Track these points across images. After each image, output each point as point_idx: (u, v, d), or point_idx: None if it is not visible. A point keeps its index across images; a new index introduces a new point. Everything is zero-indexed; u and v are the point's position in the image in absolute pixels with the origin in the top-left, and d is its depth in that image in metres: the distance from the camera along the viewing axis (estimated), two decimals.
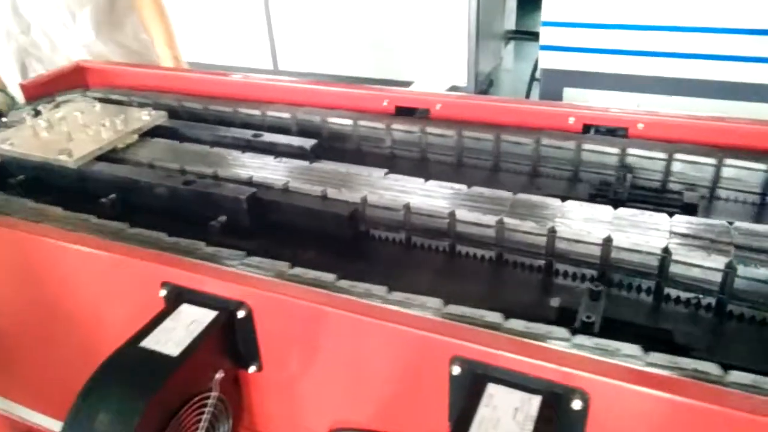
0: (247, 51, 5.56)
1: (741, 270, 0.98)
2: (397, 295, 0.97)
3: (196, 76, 1.98)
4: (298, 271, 1.04)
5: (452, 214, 1.18)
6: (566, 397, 0.79)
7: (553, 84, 3.26)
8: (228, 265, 1.05)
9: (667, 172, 1.37)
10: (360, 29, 5.15)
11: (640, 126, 1.46)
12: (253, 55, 5.61)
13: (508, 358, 0.82)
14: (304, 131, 1.66)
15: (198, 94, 1.87)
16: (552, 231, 1.11)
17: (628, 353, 0.83)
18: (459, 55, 4.89)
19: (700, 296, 1.03)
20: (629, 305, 1.06)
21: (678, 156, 1.36)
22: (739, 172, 1.31)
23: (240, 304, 0.99)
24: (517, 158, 1.49)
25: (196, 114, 1.79)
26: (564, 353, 0.82)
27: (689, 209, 1.26)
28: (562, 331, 0.87)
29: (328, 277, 1.02)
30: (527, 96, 3.79)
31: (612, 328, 0.93)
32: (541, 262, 1.14)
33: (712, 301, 1.02)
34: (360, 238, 1.27)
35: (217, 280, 1.01)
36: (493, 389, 0.81)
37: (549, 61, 3.19)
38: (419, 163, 1.57)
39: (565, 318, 0.99)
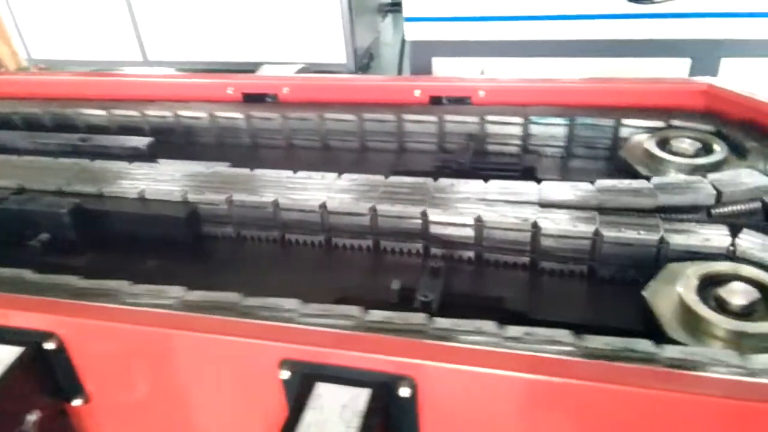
0: (112, 44, 5.17)
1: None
2: (196, 294, 0.91)
3: (34, 79, 1.80)
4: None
5: (275, 203, 1.13)
6: (394, 386, 0.76)
7: (421, 55, 3.26)
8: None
9: (511, 135, 1.38)
10: (232, 12, 4.91)
11: (482, 93, 1.46)
12: (119, 47, 5.24)
13: (333, 354, 0.78)
14: (139, 129, 1.55)
15: (37, 96, 1.70)
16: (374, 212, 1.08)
17: (477, 329, 0.82)
18: (334, 31, 4.80)
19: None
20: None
21: (515, 120, 1.37)
22: (576, 129, 1.34)
23: (49, 335, 0.88)
24: (344, 135, 1.47)
25: (32, 119, 1.63)
26: (388, 340, 0.79)
27: (529, 172, 1.28)
28: (404, 316, 0.85)
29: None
30: (399, 70, 3.78)
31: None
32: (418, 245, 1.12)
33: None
34: (201, 239, 1.19)
35: (20, 312, 0.90)
36: (321, 389, 0.78)
37: (414, 32, 3.18)
38: (267, 151, 1.51)
39: (408, 300, 0.97)
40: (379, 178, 1.17)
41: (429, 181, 1.15)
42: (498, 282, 1.05)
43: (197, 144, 1.56)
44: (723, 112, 1.28)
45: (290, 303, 0.90)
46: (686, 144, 1.19)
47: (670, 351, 0.77)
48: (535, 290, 1.04)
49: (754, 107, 1.23)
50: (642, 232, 0.98)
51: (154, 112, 1.58)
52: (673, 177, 1.13)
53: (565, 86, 1.41)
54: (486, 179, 1.14)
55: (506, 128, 1.37)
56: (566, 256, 1.03)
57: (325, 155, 1.46)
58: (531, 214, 1.04)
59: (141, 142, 1.40)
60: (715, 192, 1.06)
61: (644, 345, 0.78)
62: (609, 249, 1.00)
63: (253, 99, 1.61)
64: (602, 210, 1.04)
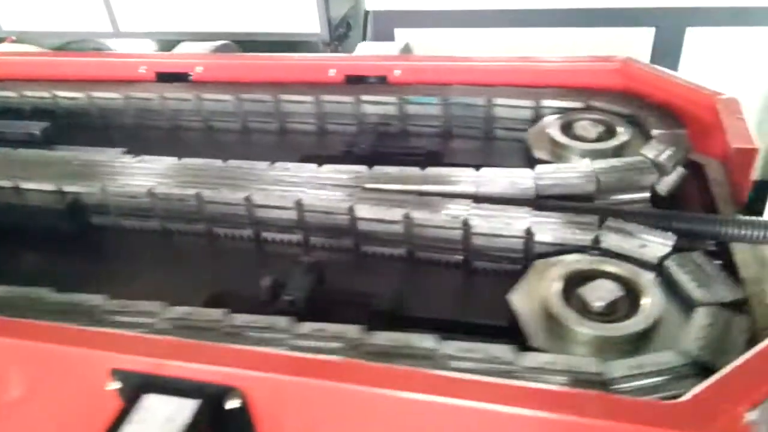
0: (81, 13, 5.04)
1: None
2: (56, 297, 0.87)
3: None
4: None
5: (151, 192, 1.08)
6: (223, 397, 0.72)
7: (382, 26, 3.16)
8: None
9: (419, 116, 1.32)
10: None
11: (397, 72, 1.39)
12: (89, 17, 5.10)
13: (163, 364, 0.74)
14: (38, 111, 1.49)
15: None
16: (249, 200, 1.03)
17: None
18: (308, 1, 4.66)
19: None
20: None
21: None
22: (491, 109, 1.28)
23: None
24: (260, 116, 1.40)
25: None
26: (217, 349, 0.75)
27: (434, 157, 1.22)
28: (264, 320, 0.81)
29: None
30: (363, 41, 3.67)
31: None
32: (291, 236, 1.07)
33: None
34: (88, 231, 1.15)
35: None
36: (148, 400, 0.74)
37: (375, 0, 3.07)
38: (168, 134, 1.45)
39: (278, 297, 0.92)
40: (262, 164, 1.12)
41: (307, 166, 1.10)
42: (379, 278, 1.01)
43: (110, 127, 1.49)
44: (637, 91, 1.21)
45: (153, 306, 0.86)
46: (589, 128, 1.13)
47: (528, 359, 0.73)
48: (415, 286, 1.00)
49: (667, 86, 1.17)
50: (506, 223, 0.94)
51: (64, 93, 1.51)
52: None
53: (480, 65, 1.34)
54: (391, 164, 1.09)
55: (413, 108, 1.30)
56: (443, 247, 0.99)
57: (207, 137, 1.39)
58: (403, 206, 1.00)
59: (35, 126, 1.34)
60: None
61: (502, 351, 0.74)
62: (483, 241, 0.96)
63: (166, 78, 1.54)
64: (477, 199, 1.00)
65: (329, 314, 0.84)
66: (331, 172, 1.08)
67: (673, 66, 2.75)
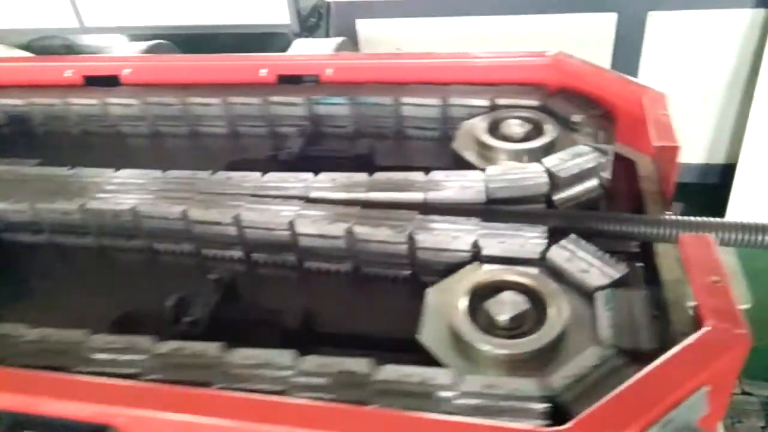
0: (46, 9, 4.92)
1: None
2: None
3: None
4: None
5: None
6: None
7: (344, 17, 3.10)
8: None
9: (349, 117, 1.26)
10: None
11: (329, 71, 1.34)
12: (54, 13, 4.98)
13: (35, 401, 0.69)
14: None
15: None
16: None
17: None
18: None
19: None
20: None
21: (361, 99, 1.25)
22: (417, 110, 1.23)
23: None
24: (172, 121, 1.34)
25: None
26: (90, 385, 0.70)
27: (365, 159, 1.17)
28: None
29: None
30: (326, 34, 3.60)
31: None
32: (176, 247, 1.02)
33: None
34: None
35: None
36: None
37: None
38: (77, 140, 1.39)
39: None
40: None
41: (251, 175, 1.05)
42: (310, 295, 0.96)
43: (30, 134, 1.42)
44: (568, 86, 1.17)
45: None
46: (517, 126, 1.09)
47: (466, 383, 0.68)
48: (349, 303, 0.95)
49: (597, 81, 1.13)
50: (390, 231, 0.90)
51: None
52: (504, 166, 1.02)
53: (411, 63, 1.29)
54: (316, 168, 1.05)
55: (341, 110, 1.25)
56: (388, 262, 0.95)
57: (145, 144, 1.33)
58: (290, 212, 0.96)
59: None
60: (547, 178, 0.97)
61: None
62: (430, 256, 0.92)
63: (95, 82, 1.48)
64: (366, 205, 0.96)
65: (236, 334, 0.80)
66: (276, 180, 1.03)
67: (636, 51, 2.71)
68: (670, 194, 1.01)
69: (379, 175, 1.02)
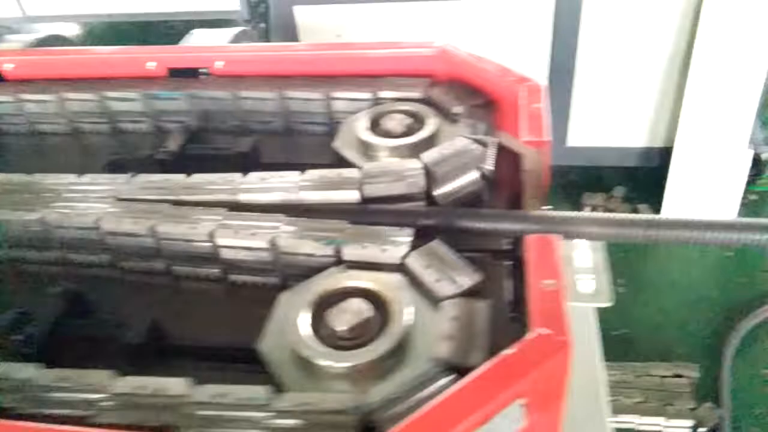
0: None
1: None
2: None
3: None
4: None
5: None
6: None
7: (282, 3, 3.01)
8: None
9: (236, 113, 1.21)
10: None
11: (219, 64, 1.28)
12: None
13: None
14: None
15: None
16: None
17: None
18: None
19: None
20: None
21: (247, 94, 1.20)
22: (302, 104, 1.18)
23: None
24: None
25: None
26: None
27: (247, 158, 1.12)
28: None
29: None
30: (266, 23, 3.52)
31: None
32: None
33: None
34: None
35: None
36: None
37: None
38: None
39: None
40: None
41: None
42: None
43: None
44: (454, 76, 1.13)
45: None
46: (397, 121, 1.05)
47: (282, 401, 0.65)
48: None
49: (480, 72, 1.09)
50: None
51: None
52: (379, 164, 0.99)
53: (299, 55, 1.24)
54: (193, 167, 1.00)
55: (224, 105, 1.20)
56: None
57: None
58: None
59: None
60: (424, 175, 0.93)
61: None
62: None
63: None
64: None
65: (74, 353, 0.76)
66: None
67: (575, 30, 2.68)
68: (545, 188, 0.99)
69: (252, 176, 0.98)
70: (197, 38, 1.51)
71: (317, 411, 0.62)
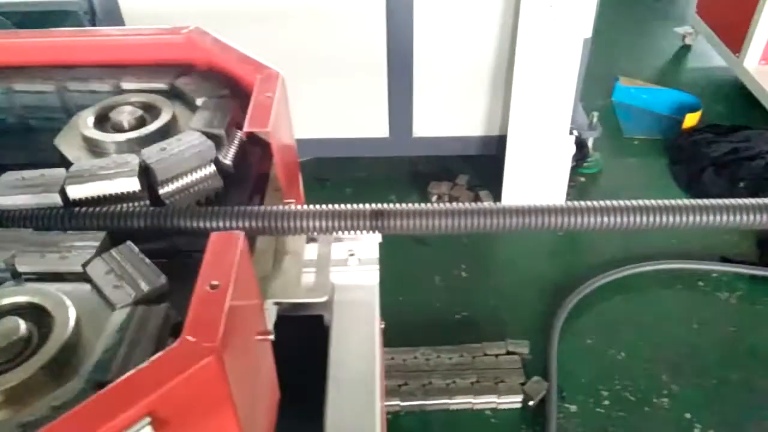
0: None
1: None
2: None
3: None
4: None
5: None
6: None
7: None
8: None
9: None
10: None
11: None
12: None
13: None
14: None
15: None
16: None
17: None
18: None
19: None
20: None
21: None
22: (34, 98, 1.06)
23: None
24: None
25: None
26: None
27: None
28: None
29: None
30: (91, 15, 3.27)
31: None
32: None
33: None
34: None
35: None
36: None
37: None
38: None
39: None
40: None
41: None
42: None
43: None
44: (200, 64, 1.06)
45: None
46: (128, 114, 0.96)
47: None
48: None
49: (225, 60, 1.03)
50: None
51: None
52: (94, 161, 0.89)
53: (31, 43, 1.11)
54: None
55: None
56: None
57: None
58: None
59: None
60: (139, 172, 0.85)
61: None
62: None
63: None
64: None
65: None
66: None
67: (410, 26, 2.69)
68: (286, 181, 0.95)
69: None
70: None
71: None
